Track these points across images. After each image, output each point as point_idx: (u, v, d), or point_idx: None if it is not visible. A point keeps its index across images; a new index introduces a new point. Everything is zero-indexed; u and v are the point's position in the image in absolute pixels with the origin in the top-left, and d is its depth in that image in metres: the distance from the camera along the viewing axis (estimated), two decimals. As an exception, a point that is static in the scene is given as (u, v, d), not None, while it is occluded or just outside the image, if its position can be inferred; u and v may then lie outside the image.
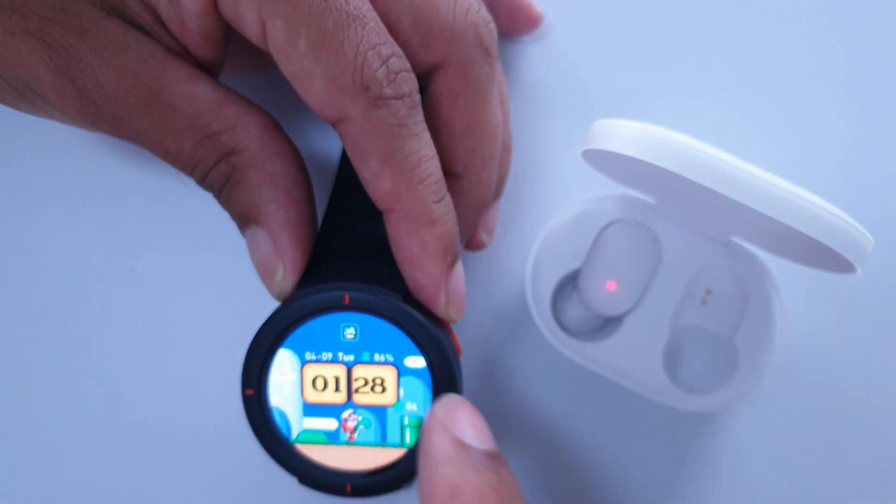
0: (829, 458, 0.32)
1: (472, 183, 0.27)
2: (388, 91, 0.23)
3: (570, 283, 0.31)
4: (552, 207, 0.32)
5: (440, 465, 0.22)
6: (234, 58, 0.27)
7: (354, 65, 0.22)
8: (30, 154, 0.32)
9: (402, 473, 0.24)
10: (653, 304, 0.30)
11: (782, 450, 0.32)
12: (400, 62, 0.23)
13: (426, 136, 0.24)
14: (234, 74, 0.29)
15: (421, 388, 0.24)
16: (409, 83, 0.23)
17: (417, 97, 0.24)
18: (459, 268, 0.25)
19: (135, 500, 0.31)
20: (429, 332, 0.24)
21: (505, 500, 0.21)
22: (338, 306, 0.24)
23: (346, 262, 0.25)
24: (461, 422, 0.23)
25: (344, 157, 0.28)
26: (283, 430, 0.24)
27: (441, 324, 0.25)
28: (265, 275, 0.25)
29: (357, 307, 0.24)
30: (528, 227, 0.32)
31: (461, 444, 0.22)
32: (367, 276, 0.24)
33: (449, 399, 0.23)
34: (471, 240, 0.30)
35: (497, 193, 0.31)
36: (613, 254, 0.30)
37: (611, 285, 0.30)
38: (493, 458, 0.22)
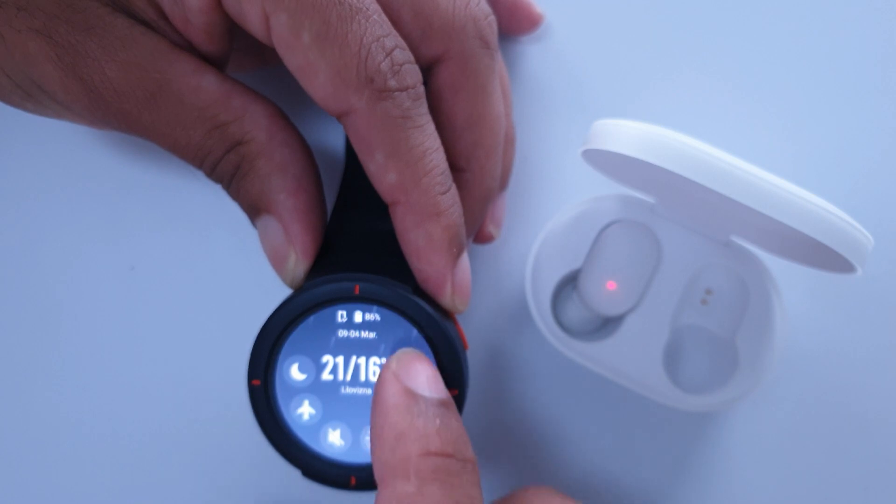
0: (829, 458, 0.32)
1: (476, 175, 0.27)
2: (392, 83, 0.23)
3: (570, 283, 0.31)
4: (552, 207, 0.32)
5: (389, 411, 0.22)
6: (236, 56, 0.27)
7: (358, 57, 0.22)
8: (30, 154, 0.32)
9: None
10: (653, 304, 0.30)
11: (782, 450, 0.32)
12: (404, 54, 0.23)
13: (431, 127, 0.24)
14: (237, 73, 0.29)
15: None
16: (413, 75, 0.23)
17: (422, 89, 0.24)
18: (465, 259, 0.25)
19: (137, 497, 0.31)
20: (437, 323, 0.24)
21: (447, 443, 0.22)
22: (348, 297, 0.24)
23: (355, 254, 0.26)
24: (413, 372, 0.23)
25: (351, 151, 0.28)
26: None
27: (449, 316, 0.25)
28: (277, 262, 0.25)
29: (367, 298, 0.24)
30: (528, 227, 0.32)
31: (410, 393, 0.22)
32: (377, 268, 0.24)
33: (404, 352, 0.23)
34: (479, 233, 0.30)
35: (502, 185, 0.31)
36: (613, 254, 0.30)
37: (611, 285, 0.30)
38: (441, 405, 0.22)
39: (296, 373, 0.24)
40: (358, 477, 0.24)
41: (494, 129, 0.27)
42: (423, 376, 0.23)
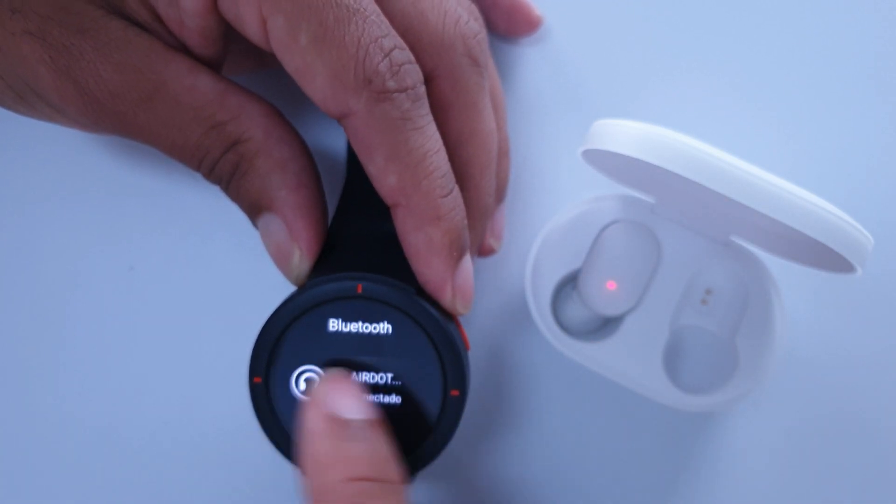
0: (829, 459, 0.32)
1: (472, 192, 0.27)
2: (391, 84, 0.23)
3: (570, 283, 0.31)
4: (552, 207, 0.32)
5: (314, 438, 0.23)
6: (233, 58, 0.27)
7: (356, 58, 0.22)
8: (29, 154, 0.32)
9: (405, 468, 0.24)
10: (653, 304, 0.30)
11: (782, 450, 0.32)
12: (403, 54, 0.23)
13: (431, 128, 0.24)
14: (233, 75, 0.29)
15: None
16: (413, 75, 0.23)
17: (422, 89, 0.24)
18: (467, 261, 0.25)
19: (137, 496, 0.31)
20: (440, 325, 0.24)
21: (371, 466, 0.22)
22: (350, 296, 0.23)
23: (358, 254, 0.26)
24: (339, 395, 0.23)
25: (353, 152, 0.28)
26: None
27: (451, 317, 0.25)
28: (281, 260, 0.25)
29: (369, 297, 0.24)
30: (528, 227, 0.32)
31: (335, 419, 0.23)
32: (380, 268, 0.24)
33: (328, 375, 0.24)
34: (480, 246, 0.30)
35: (500, 198, 0.31)
36: (613, 254, 0.30)
37: (611, 285, 0.30)
38: (368, 427, 0.23)
39: (297, 373, 0.24)
40: None
41: (487, 146, 0.27)
42: (350, 398, 0.23)
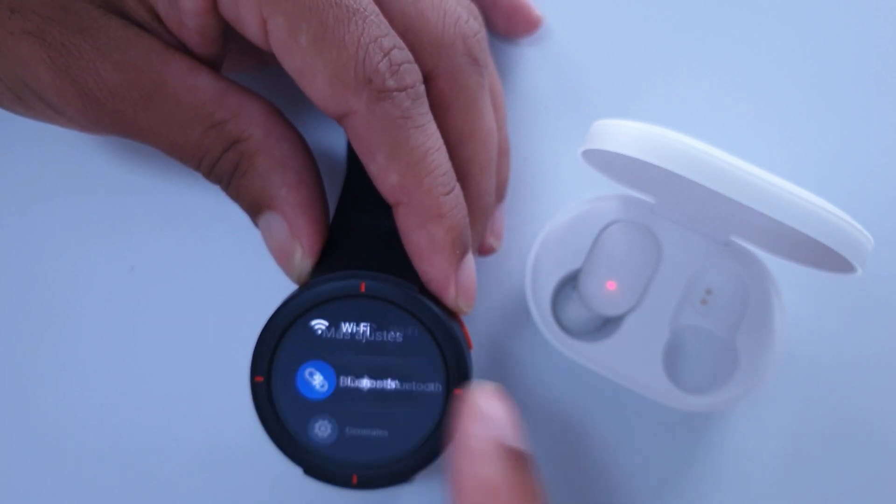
0: (828, 458, 0.32)
1: (472, 191, 0.27)
2: (391, 83, 0.23)
3: (570, 283, 0.31)
4: (552, 207, 0.32)
5: (480, 462, 0.21)
6: (232, 57, 0.27)
7: (356, 58, 0.22)
8: (29, 154, 0.32)
9: (408, 467, 0.24)
10: (653, 304, 0.30)
11: (782, 450, 0.32)
12: (402, 54, 0.23)
13: (432, 127, 0.24)
14: (233, 73, 0.29)
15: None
16: (413, 74, 0.23)
17: (422, 88, 0.24)
18: (470, 260, 0.25)
19: (138, 496, 0.31)
20: (443, 323, 0.24)
21: (536, 501, 0.21)
22: (354, 294, 0.23)
23: (360, 252, 0.26)
24: (501, 416, 0.22)
25: (353, 150, 0.28)
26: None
27: (454, 316, 0.25)
28: (283, 259, 0.25)
29: (373, 296, 0.23)
30: (528, 227, 0.32)
31: (503, 445, 0.22)
32: (383, 266, 0.24)
33: (488, 389, 0.23)
34: (480, 245, 0.30)
35: (500, 197, 0.31)
36: (613, 254, 0.30)
37: (611, 285, 0.30)
38: (527, 458, 0.22)
39: (305, 375, 0.24)
40: (360, 475, 0.24)
41: (487, 145, 0.27)
42: (509, 423, 0.22)
